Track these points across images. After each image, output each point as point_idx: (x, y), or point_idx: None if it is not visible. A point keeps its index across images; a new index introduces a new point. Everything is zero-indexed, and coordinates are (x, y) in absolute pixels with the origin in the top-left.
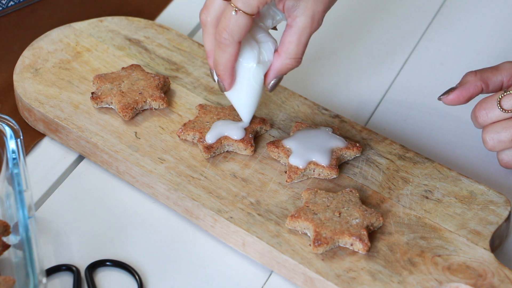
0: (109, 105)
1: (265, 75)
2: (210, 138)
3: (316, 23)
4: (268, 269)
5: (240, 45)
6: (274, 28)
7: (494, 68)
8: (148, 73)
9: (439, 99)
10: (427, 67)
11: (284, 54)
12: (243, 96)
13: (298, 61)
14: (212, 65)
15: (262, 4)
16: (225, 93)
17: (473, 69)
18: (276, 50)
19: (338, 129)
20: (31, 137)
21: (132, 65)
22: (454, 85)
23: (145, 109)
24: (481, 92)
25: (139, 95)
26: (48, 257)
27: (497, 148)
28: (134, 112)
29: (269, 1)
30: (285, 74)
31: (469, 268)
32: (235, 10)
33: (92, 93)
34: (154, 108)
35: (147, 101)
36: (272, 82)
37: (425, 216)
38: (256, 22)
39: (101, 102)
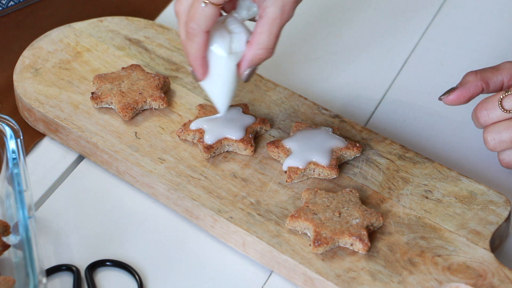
0: (109, 105)
1: (239, 66)
2: (209, 139)
3: (286, 14)
4: (268, 269)
5: (208, 35)
6: (253, 20)
7: (495, 68)
8: (148, 73)
9: (440, 99)
10: (427, 67)
11: (255, 45)
12: (217, 86)
13: (270, 51)
14: None
15: None
16: (200, 83)
17: (473, 69)
18: (249, 41)
19: (338, 129)
20: (31, 137)
21: (132, 65)
22: (454, 85)
23: (145, 109)
24: (482, 92)
25: (139, 95)
26: (48, 257)
27: (498, 148)
28: (134, 112)
29: None
30: (258, 64)
31: (469, 268)
32: (203, 1)
33: (92, 93)
34: (154, 108)
35: (147, 101)
36: (246, 72)
37: (425, 216)
38: (231, 13)
39: (101, 102)
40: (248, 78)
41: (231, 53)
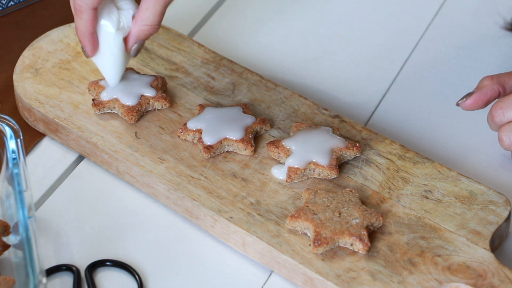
0: (111, 110)
1: (126, 41)
2: (208, 140)
3: None
4: (268, 269)
5: (96, 12)
6: None
7: (511, 72)
8: (143, 74)
9: (457, 104)
10: (427, 67)
11: (140, 21)
12: (106, 61)
13: (155, 27)
14: None
15: None
16: (92, 59)
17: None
18: (134, 17)
19: (338, 129)
20: (31, 137)
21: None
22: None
23: (148, 110)
24: (499, 96)
25: (141, 97)
26: (48, 257)
27: None
28: (139, 115)
29: None
30: (145, 39)
31: (469, 268)
32: None
33: (93, 99)
34: (157, 109)
35: (150, 102)
36: (133, 47)
37: (425, 216)
38: None
39: (103, 108)
40: (136, 52)
41: (118, 29)
